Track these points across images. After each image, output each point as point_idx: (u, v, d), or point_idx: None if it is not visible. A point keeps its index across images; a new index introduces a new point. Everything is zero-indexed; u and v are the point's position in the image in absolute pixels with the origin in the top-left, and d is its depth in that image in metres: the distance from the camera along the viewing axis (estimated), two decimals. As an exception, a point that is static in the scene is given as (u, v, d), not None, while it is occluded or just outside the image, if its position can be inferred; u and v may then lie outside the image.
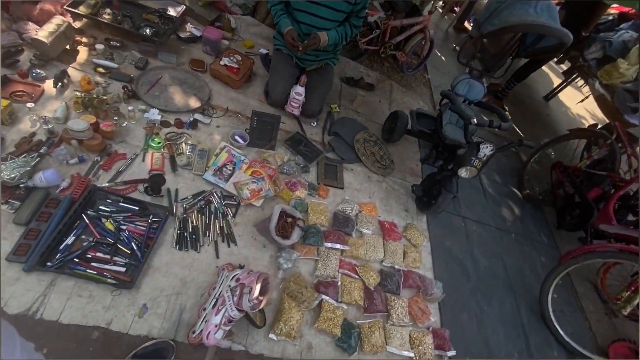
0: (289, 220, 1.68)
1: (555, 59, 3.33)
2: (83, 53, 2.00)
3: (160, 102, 1.98)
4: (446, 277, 2.00)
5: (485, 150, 1.83)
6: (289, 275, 1.61)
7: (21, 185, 1.39)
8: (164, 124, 1.90)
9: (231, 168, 1.84)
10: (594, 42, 3.15)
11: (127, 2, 2.28)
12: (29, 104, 1.61)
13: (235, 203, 1.74)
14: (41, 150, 1.52)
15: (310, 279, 1.66)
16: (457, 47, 3.85)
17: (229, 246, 1.60)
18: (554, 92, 4.65)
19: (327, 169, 2.17)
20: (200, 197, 1.69)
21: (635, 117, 2.76)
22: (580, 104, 4.79)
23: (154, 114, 1.87)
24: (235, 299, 1.26)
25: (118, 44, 2.12)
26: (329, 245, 1.77)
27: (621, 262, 1.96)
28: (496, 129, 1.93)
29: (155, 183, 1.62)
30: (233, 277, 1.37)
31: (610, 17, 3.39)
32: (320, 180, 2.08)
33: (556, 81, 4.97)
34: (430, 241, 2.14)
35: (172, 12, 2.41)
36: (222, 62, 2.24)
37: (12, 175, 1.36)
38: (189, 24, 2.48)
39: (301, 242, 1.74)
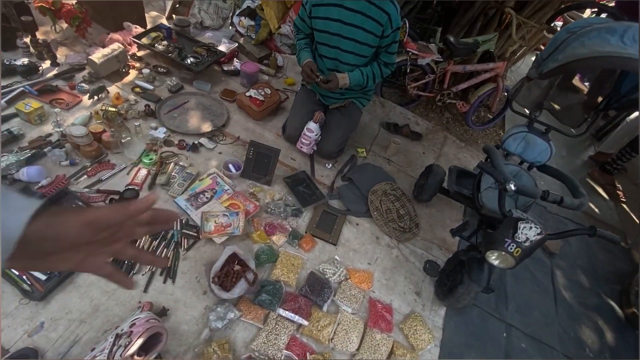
0: (237, 268, 1.39)
1: None
2: (131, 75, 2.25)
3: (174, 123, 2.03)
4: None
5: (527, 232, 1.24)
6: (215, 339, 1.29)
7: (8, 176, 1.50)
8: (167, 142, 1.92)
9: (209, 196, 1.70)
10: None
11: (184, 36, 2.55)
12: (57, 109, 1.82)
13: (195, 234, 1.56)
14: (45, 150, 1.66)
15: (241, 352, 1.29)
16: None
17: (164, 282, 1.39)
18: None
19: (324, 217, 1.83)
20: (161, 221, 1.56)
21: None
22: None
23: (160, 132, 1.91)
24: (108, 350, 1.02)
25: (164, 70, 2.34)
26: (284, 313, 1.39)
27: None
28: (555, 204, 1.32)
29: (123, 197, 1.57)
30: (131, 321, 1.13)
31: None
32: (309, 229, 1.75)
33: None
34: (440, 347, 1.52)
35: (222, 47, 2.59)
36: (248, 94, 2.23)
37: (4, 165, 1.49)
38: (235, 59, 2.62)
39: (250, 300, 1.41)
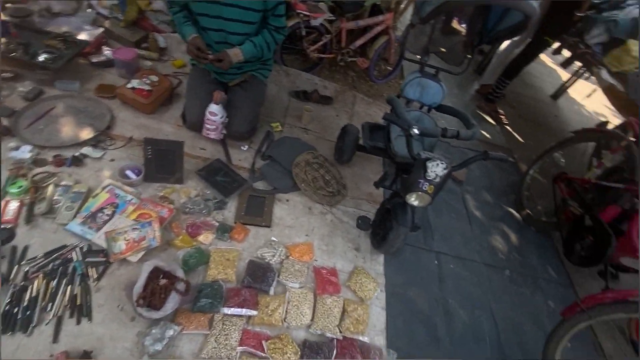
0: (163, 282, 1.25)
1: (552, 49, 2.80)
2: (-38, 88, 1.74)
3: (41, 137, 1.66)
4: (405, 344, 1.48)
5: (436, 169, 1.34)
6: (158, 362, 1.17)
7: None
8: (39, 162, 1.57)
9: (110, 212, 1.46)
10: (596, 24, 2.60)
11: (28, 29, 2.05)
12: None
13: (103, 260, 1.34)
14: None
15: (191, 365, 1.20)
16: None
17: (78, 323, 1.19)
18: (562, 89, 4.05)
19: (251, 202, 1.74)
20: (55, 256, 1.30)
21: (658, 110, 2.17)
22: (599, 99, 4.14)
23: (24, 152, 1.55)
24: None
25: (11, 75, 1.86)
26: (229, 311, 1.32)
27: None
28: (455, 139, 1.45)
29: (-6, 241, 1.26)
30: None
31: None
32: (237, 219, 1.65)
33: (565, 76, 4.36)
34: (385, 291, 1.63)
35: (83, 36, 2.15)
36: (129, 85, 1.92)
37: None
38: (104, 47, 2.21)
39: (189, 309, 1.30)
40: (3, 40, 1.90)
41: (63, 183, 1.50)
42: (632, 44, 2.38)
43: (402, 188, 1.48)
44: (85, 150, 1.67)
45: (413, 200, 1.43)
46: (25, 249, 1.30)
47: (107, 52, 2.18)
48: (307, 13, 2.30)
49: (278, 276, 1.50)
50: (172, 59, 2.38)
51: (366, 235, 1.82)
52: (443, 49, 2.01)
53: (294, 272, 1.53)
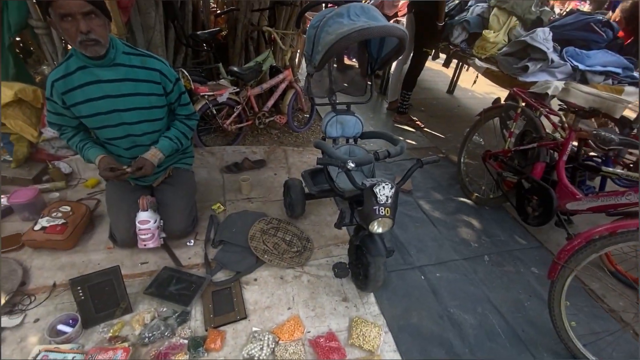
0: None
1: (430, 56, 3.26)
2: None
3: None
4: (430, 377, 1.36)
5: (384, 191, 1.36)
6: None
7: None
8: None
9: (48, 388, 1.17)
10: (454, 27, 3.10)
11: None
12: None
13: None
14: None
15: None
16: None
17: None
18: (453, 84, 4.65)
19: (217, 299, 1.56)
20: None
21: (529, 75, 2.57)
22: (485, 84, 4.82)
23: None
24: None
25: None
26: None
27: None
28: (386, 159, 1.50)
29: None
30: None
31: (457, 1, 3.46)
32: (208, 324, 1.45)
33: (451, 73, 5.03)
34: (390, 329, 1.53)
35: (-34, 192, 1.88)
36: (37, 227, 1.68)
37: None
38: (-3, 196, 1.95)
39: None
40: None
41: (-26, 378, 1.18)
42: (486, 33, 2.88)
43: (362, 220, 1.46)
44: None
45: (376, 228, 1.41)
46: None
47: (2, 200, 1.91)
48: (211, 93, 2.35)
49: (275, 369, 1.31)
50: (82, 180, 2.19)
51: (349, 280, 1.73)
52: (345, 84, 2.17)
53: (290, 356, 1.35)
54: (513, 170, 2.14)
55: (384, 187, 1.36)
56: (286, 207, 2.12)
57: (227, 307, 1.52)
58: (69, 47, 1.74)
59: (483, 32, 2.92)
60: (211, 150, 2.64)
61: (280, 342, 1.41)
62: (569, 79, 2.54)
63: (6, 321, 1.38)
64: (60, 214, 1.77)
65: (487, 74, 3.00)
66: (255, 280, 1.69)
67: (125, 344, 1.32)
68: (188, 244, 1.84)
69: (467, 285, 1.81)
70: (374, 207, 1.36)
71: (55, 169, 2.13)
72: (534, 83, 2.50)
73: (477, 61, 2.94)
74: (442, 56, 3.59)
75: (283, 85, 2.91)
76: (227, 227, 1.93)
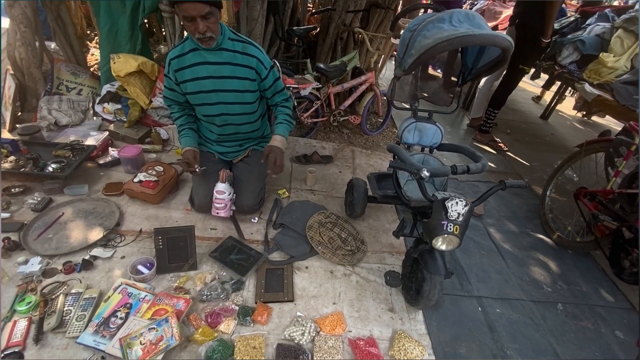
0: (186, 388, 1.10)
1: (529, 76, 2.96)
2: (-26, 211, 1.77)
3: (51, 246, 1.63)
4: (472, 416, 1.25)
5: (456, 207, 1.29)
6: None
7: None
8: (48, 273, 1.52)
9: (124, 315, 1.36)
10: (564, 47, 2.77)
11: (37, 144, 2.17)
12: None
13: (118, 372, 1.21)
14: None
15: None
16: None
17: None
18: (549, 109, 4.17)
19: (270, 277, 1.64)
20: (66, 377, 1.18)
21: (654, 110, 2.18)
22: (586, 113, 4.24)
23: (33, 265, 1.51)
24: None
25: (21, 189, 1.91)
26: (264, 410, 1.14)
27: None
28: (465, 174, 1.42)
29: (-1, 371, 1.15)
30: None
31: (572, 18, 3.08)
32: (258, 298, 1.54)
33: (548, 97, 4.53)
34: (434, 353, 1.44)
35: (90, 141, 2.28)
36: (136, 179, 1.96)
37: None
38: (110, 148, 2.32)
39: (218, 417, 1.12)
40: (13, 157, 1.99)
41: (74, 291, 1.43)
42: (604, 57, 2.51)
43: (426, 233, 1.40)
44: (95, 251, 1.63)
45: (440, 244, 1.34)
46: (34, 374, 1.18)
47: (113, 152, 2.28)
48: (296, 86, 2.47)
49: (312, 358, 1.34)
50: (175, 147, 2.49)
51: (398, 291, 1.68)
52: (429, 93, 2.10)
53: (328, 349, 1.37)
54: (613, 215, 1.84)
55: (457, 202, 1.29)
56: (346, 205, 2.14)
57: (277, 287, 1.60)
58: (186, 31, 1.99)
59: (600, 55, 2.56)
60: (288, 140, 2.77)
61: (321, 332, 1.43)
62: None
63: (101, 252, 1.64)
64: (154, 172, 2.03)
65: (598, 102, 2.62)
66: (307, 268, 1.74)
67: (187, 296, 1.47)
68: (252, 220, 1.97)
69: (532, 331, 1.62)
70: (443, 222, 1.29)
71: (156, 134, 2.46)
72: (658, 119, 2.12)
73: (587, 86, 2.60)
74: (543, 77, 3.24)
75: (363, 87, 2.93)
76: (288, 213, 2.02)
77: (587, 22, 2.90)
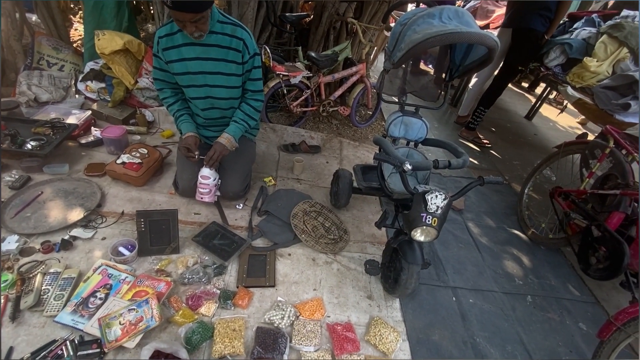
0: (165, 367, 1.13)
1: (515, 78, 3.02)
2: (-54, 186, 1.72)
3: (29, 225, 1.60)
4: (439, 398, 1.32)
5: (436, 200, 1.33)
6: None
7: None
8: (26, 252, 1.49)
9: (103, 295, 1.36)
10: (552, 49, 2.84)
11: (15, 119, 2.10)
12: None
13: (97, 351, 1.21)
14: None
15: None
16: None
17: None
18: (534, 109, 4.27)
19: (252, 262, 1.66)
20: (42, 354, 1.18)
21: (629, 115, 2.27)
22: (569, 115, 4.37)
23: (10, 244, 1.48)
24: None
25: (-3, 167, 1.85)
26: (240, 390, 1.18)
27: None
28: (446, 169, 1.46)
29: (-27, 348, 1.14)
30: None
31: (561, 21, 3.14)
32: (240, 282, 1.56)
33: (533, 98, 4.64)
34: (408, 339, 1.51)
35: (72, 119, 2.22)
36: (119, 161, 1.93)
37: None
38: (93, 128, 2.26)
39: (196, 395, 1.15)
40: (-10, 134, 1.93)
41: (52, 270, 1.42)
42: (588, 61, 2.58)
43: (406, 225, 1.44)
44: (75, 232, 1.61)
45: (419, 235, 1.39)
46: (10, 351, 1.18)
47: (95, 132, 2.23)
48: (286, 73, 2.45)
49: (290, 341, 1.38)
50: (160, 130, 2.45)
51: (377, 280, 1.73)
52: (417, 88, 2.13)
53: (307, 333, 1.41)
54: (584, 214, 1.93)
55: (436, 196, 1.33)
56: (331, 195, 2.16)
57: (259, 272, 1.62)
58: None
59: (584, 59, 2.64)
60: (274, 127, 2.77)
61: (300, 317, 1.47)
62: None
63: (81, 232, 1.62)
64: (138, 155, 2.00)
65: (578, 105, 2.71)
66: (289, 255, 1.76)
67: (168, 279, 1.48)
68: (237, 206, 1.98)
69: (501, 320, 1.70)
70: (422, 214, 1.34)
71: (141, 115, 2.41)
72: (632, 124, 2.21)
73: (569, 89, 2.67)
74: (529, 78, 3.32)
75: (354, 78, 2.93)
76: (273, 200, 2.03)
77: (575, 25, 2.97)
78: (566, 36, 2.92)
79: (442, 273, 1.88)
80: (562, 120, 4.50)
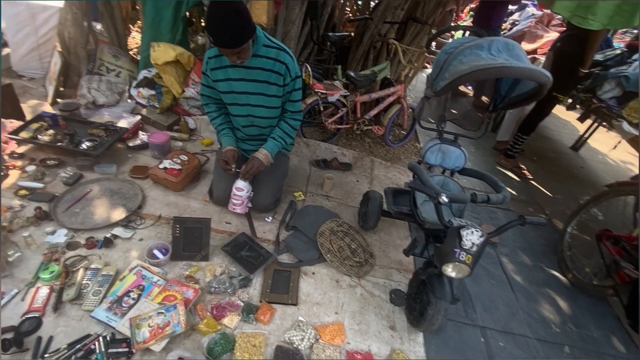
0: (186, 376, 1.15)
1: (566, 105, 2.86)
2: (12, 177, 1.89)
3: (77, 220, 1.73)
4: None
5: (471, 237, 1.28)
6: None
7: None
8: (72, 246, 1.61)
9: (136, 296, 1.43)
10: (607, 80, 2.67)
11: (75, 120, 2.29)
12: None
13: (125, 350, 1.27)
14: None
15: None
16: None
17: None
18: (581, 140, 4.02)
19: (277, 278, 1.68)
20: (77, 347, 1.25)
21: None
22: (624, 152, 4.06)
23: (59, 236, 1.60)
24: None
25: (55, 162, 2.03)
26: (256, 409, 1.18)
27: None
28: (484, 204, 1.40)
29: (20, 333, 1.23)
30: None
31: (619, 51, 2.95)
32: (263, 297, 1.58)
33: (582, 127, 4.36)
34: (430, 377, 1.44)
35: (123, 123, 2.38)
36: (161, 166, 2.04)
37: None
38: (140, 132, 2.42)
39: (213, 408, 1.17)
40: (51, 131, 2.11)
41: (93, 266, 1.51)
42: (647, 96, 2.41)
43: (437, 258, 1.40)
44: (117, 230, 1.71)
45: (450, 271, 1.34)
46: (50, 339, 1.26)
47: (142, 136, 2.37)
48: (325, 91, 2.49)
49: (309, 364, 1.36)
50: (200, 138, 2.57)
51: (401, 310, 1.68)
52: (457, 114, 2.08)
53: (326, 357, 1.39)
54: (636, 263, 1.77)
55: (472, 232, 1.28)
56: (360, 216, 2.15)
57: (282, 288, 1.63)
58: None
59: (643, 93, 2.46)
60: (307, 142, 2.81)
61: (320, 340, 1.45)
62: None
63: (121, 232, 1.72)
64: (179, 161, 2.10)
65: (635, 142, 2.51)
66: (313, 274, 1.76)
67: (196, 286, 1.52)
68: (266, 219, 2.01)
69: (533, 370, 1.59)
70: (455, 250, 1.29)
71: (184, 123, 2.54)
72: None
73: (625, 124, 2.50)
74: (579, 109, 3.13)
75: (391, 99, 2.92)
76: (302, 216, 2.05)
77: (634, 57, 2.78)
78: (623, 67, 2.74)
79: (471, 310, 1.79)
80: (613, 154, 4.19)
